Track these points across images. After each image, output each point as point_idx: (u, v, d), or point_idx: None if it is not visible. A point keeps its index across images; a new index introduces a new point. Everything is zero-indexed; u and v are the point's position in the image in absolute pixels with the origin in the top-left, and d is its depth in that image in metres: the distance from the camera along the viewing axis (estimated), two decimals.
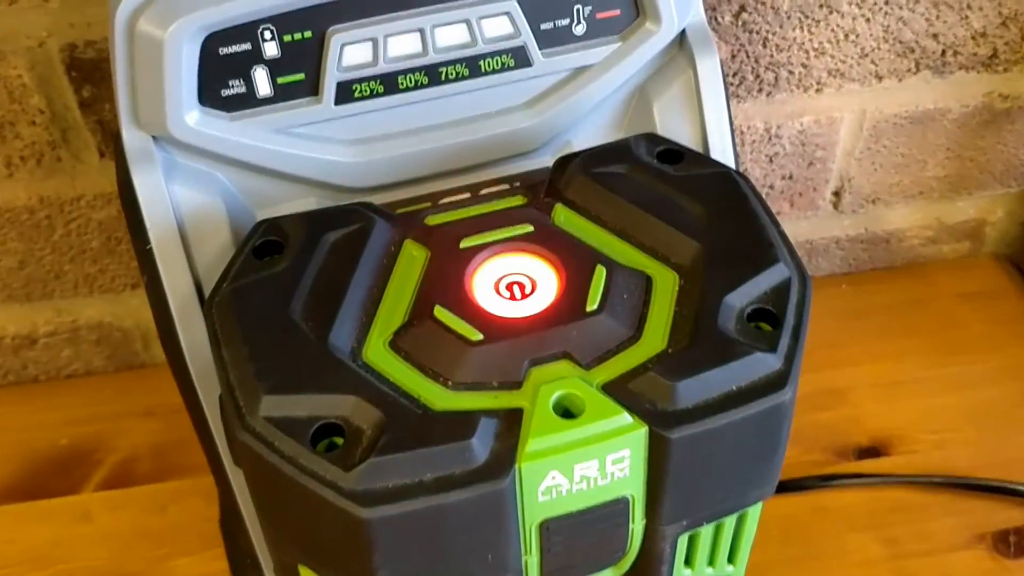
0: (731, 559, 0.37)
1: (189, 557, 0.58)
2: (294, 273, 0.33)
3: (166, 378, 0.68)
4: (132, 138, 0.37)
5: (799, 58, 0.61)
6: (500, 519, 0.30)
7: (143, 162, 0.37)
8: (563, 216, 0.36)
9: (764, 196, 0.66)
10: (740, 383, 0.31)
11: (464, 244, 0.34)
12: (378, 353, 0.32)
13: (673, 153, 0.38)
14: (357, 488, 0.28)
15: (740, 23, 0.58)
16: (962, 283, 0.72)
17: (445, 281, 0.33)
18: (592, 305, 0.32)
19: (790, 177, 0.67)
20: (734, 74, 0.61)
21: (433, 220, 0.36)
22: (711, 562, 0.36)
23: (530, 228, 0.35)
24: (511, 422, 0.30)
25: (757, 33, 0.59)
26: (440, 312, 0.32)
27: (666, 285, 0.34)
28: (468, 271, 0.34)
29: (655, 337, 0.32)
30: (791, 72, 0.61)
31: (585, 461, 0.30)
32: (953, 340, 0.68)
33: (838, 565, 0.57)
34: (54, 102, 0.54)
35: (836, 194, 0.68)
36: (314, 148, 0.39)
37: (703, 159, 0.38)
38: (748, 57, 0.60)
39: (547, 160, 0.43)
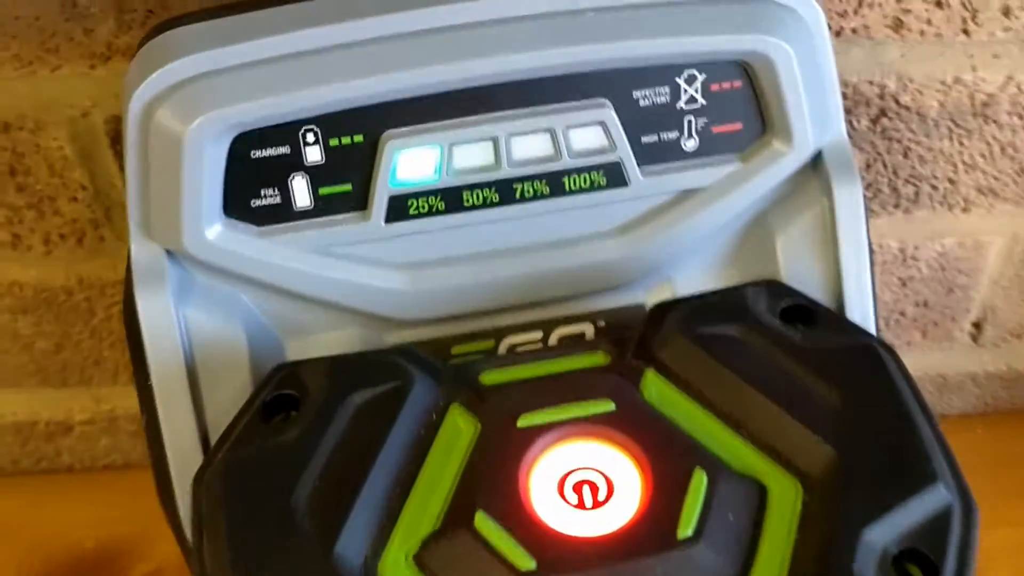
0: None
1: None
2: (306, 446, 0.26)
3: None
4: (141, 251, 0.31)
5: (945, 172, 0.52)
6: None
7: (150, 281, 0.31)
8: (655, 389, 0.28)
9: (894, 324, 0.58)
10: None
11: (524, 423, 0.27)
12: (397, 571, 0.24)
13: (802, 312, 0.30)
14: None
15: (879, 129, 0.50)
16: None
17: (494, 473, 0.26)
18: (686, 529, 0.24)
19: (925, 304, 0.58)
20: (868, 186, 0.53)
21: (489, 378, 0.29)
22: None
23: (611, 406, 0.27)
24: None
25: (898, 142, 0.51)
26: (482, 522, 0.25)
27: (786, 501, 0.25)
28: (525, 462, 0.26)
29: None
30: (935, 187, 0.53)
31: None
32: None
33: None
34: (97, 177, 0.49)
35: (976, 326, 0.59)
36: (359, 272, 0.32)
37: (840, 323, 0.30)
38: (885, 168, 0.52)
39: (640, 296, 0.35)
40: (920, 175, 0.53)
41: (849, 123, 0.50)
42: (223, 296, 0.32)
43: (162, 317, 0.30)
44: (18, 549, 0.58)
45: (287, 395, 0.28)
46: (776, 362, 0.28)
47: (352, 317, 0.33)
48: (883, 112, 0.50)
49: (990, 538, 0.57)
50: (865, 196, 0.53)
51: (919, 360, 0.61)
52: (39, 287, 0.54)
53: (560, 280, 0.34)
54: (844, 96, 0.49)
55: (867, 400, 0.27)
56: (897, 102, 0.49)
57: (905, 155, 0.52)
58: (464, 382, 0.29)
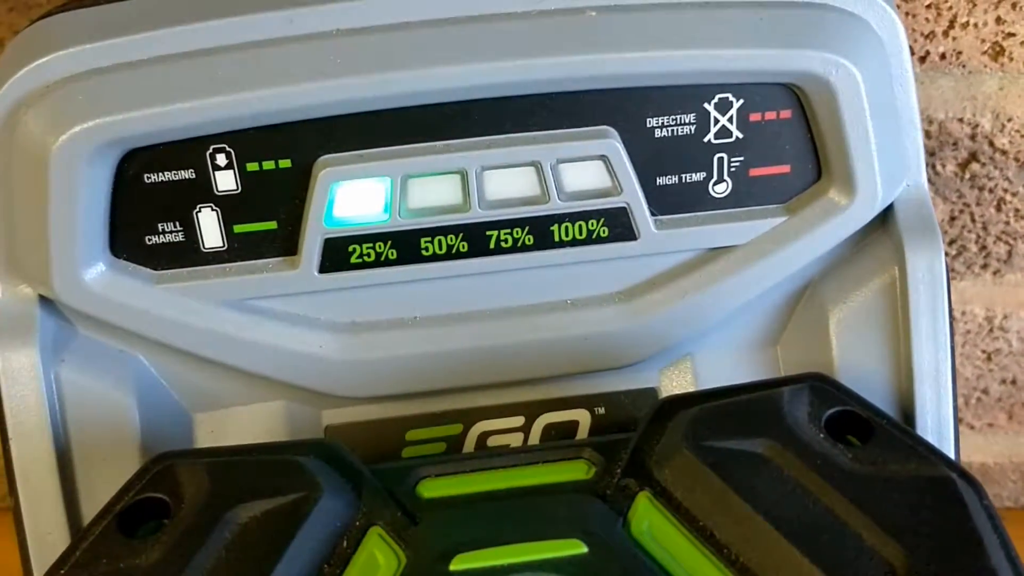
0: None
1: None
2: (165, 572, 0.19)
3: None
4: (7, 293, 0.24)
5: None
6: None
7: (15, 333, 0.24)
8: (647, 522, 0.21)
9: (975, 404, 0.50)
10: None
11: (459, 565, 0.19)
12: None
13: (856, 422, 0.22)
14: None
15: (967, 176, 0.43)
16: None
17: None
18: None
19: (1013, 382, 0.50)
20: (951, 242, 0.45)
21: (429, 489, 0.22)
22: None
23: (582, 548, 0.20)
24: None
25: (990, 192, 0.43)
26: None
27: None
28: None
29: None
30: None
31: None
32: None
33: None
34: None
35: None
36: (284, 334, 0.25)
37: (906, 441, 0.22)
38: (973, 222, 0.44)
39: (651, 377, 0.28)
40: (1015, 232, 0.45)
41: (931, 168, 0.43)
42: (112, 356, 0.25)
43: (25, 378, 0.24)
44: None
45: (156, 499, 0.21)
46: (814, 495, 0.20)
47: (277, 389, 0.26)
48: (974, 156, 0.42)
49: None
50: (947, 256, 0.45)
51: (1003, 446, 0.53)
52: None
53: (545, 356, 0.26)
54: (927, 135, 0.41)
55: (936, 559, 0.19)
56: (992, 144, 0.42)
57: (998, 208, 0.44)
58: (394, 494, 0.22)
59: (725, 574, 0.20)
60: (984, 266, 0.46)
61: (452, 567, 0.20)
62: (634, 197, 0.25)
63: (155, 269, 0.24)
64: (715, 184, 0.25)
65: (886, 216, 0.26)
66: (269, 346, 0.25)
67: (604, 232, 0.25)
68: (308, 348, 0.25)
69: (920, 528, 0.20)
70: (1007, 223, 0.45)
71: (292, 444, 0.23)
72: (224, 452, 0.22)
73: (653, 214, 0.25)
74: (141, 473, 0.22)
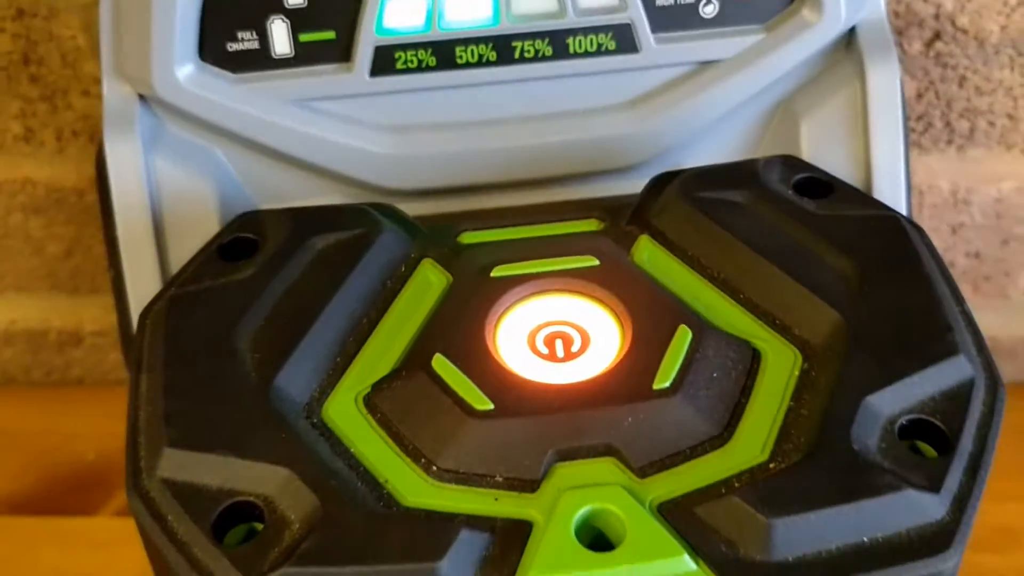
0: None
1: None
2: (258, 285, 0.24)
3: None
4: (113, 93, 0.29)
5: (1005, 106, 0.49)
6: None
7: (121, 125, 0.29)
8: (648, 253, 0.26)
9: None
10: (876, 534, 0.19)
11: (498, 273, 0.24)
12: (344, 411, 0.22)
13: (817, 184, 0.27)
14: None
15: (932, 54, 0.47)
16: None
17: (460, 320, 0.23)
18: (663, 381, 0.22)
19: (976, 255, 0.54)
20: (918, 118, 0.49)
21: (469, 238, 0.27)
22: None
23: (594, 261, 0.25)
24: (510, 543, 0.20)
25: (953, 69, 0.47)
26: (440, 364, 0.22)
27: (781, 367, 0.23)
28: (495, 311, 0.24)
29: (752, 442, 0.21)
30: (992, 123, 0.49)
31: None
32: None
33: None
34: None
35: None
36: (339, 130, 0.30)
37: (860, 196, 0.27)
38: (938, 99, 0.48)
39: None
40: (976, 109, 0.49)
41: (900, 47, 0.47)
42: (195, 149, 0.30)
43: (131, 163, 0.29)
44: (19, 457, 0.57)
45: (245, 238, 0.26)
46: (783, 228, 0.25)
47: (332, 184, 0.31)
48: (938, 35, 0.47)
49: None
50: (914, 127, 0.50)
51: None
52: (51, 186, 0.52)
53: (561, 155, 0.31)
54: (895, 15, 0.45)
55: (884, 269, 0.24)
56: (954, 24, 0.46)
57: (960, 85, 0.48)
58: (441, 240, 0.26)
59: (710, 289, 0.25)
60: (949, 142, 0.50)
61: (492, 275, 0.24)
62: (637, 15, 0.29)
63: (234, 72, 0.29)
64: (704, 6, 0.30)
65: (850, 37, 0.31)
66: (327, 140, 0.30)
67: (612, 45, 0.30)
68: (359, 143, 0.30)
69: (870, 249, 0.25)
70: (969, 100, 0.49)
71: (351, 204, 0.27)
72: (298, 209, 0.27)
73: (653, 30, 0.30)
74: (230, 224, 0.27)
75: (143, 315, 0.24)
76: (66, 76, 0.49)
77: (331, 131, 0.30)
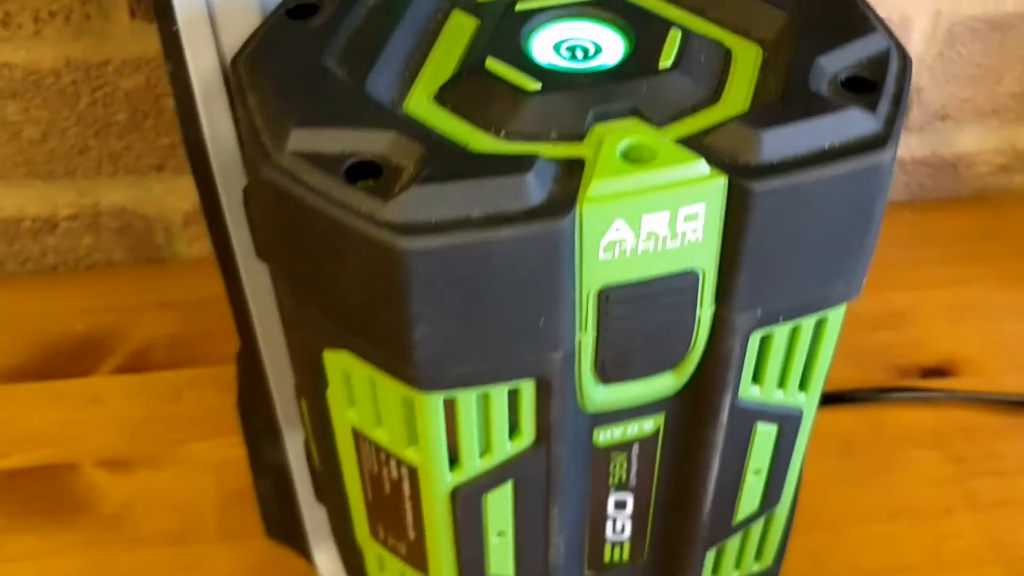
0: (803, 385, 0.33)
1: (204, 442, 0.54)
2: (328, 29, 0.30)
3: (186, 273, 0.65)
4: None
5: None
6: (555, 273, 0.26)
7: None
8: None
9: None
10: (833, 140, 0.27)
11: (520, 7, 0.31)
12: (421, 105, 0.28)
13: None
14: (396, 219, 0.25)
15: None
16: None
17: (498, 41, 0.30)
18: (666, 62, 0.29)
19: None
20: None
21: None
22: (781, 383, 0.32)
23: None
24: (573, 168, 0.26)
25: None
26: (492, 63, 0.29)
27: (748, 57, 0.30)
28: (524, 32, 0.30)
29: (736, 101, 0.28)
30: None
31: (655, 212, 0.26)
32: None
33: (903, 481, 0.52)
34: None
35: None
36: None
37: None
38: None
39: None
40: None
41: None
42: None
43: None
44: (10, 335, 0.60)
45: (305, 5, 0.31)
46: None
47: None
48: None
49: (920, 295, 0.63)
50: None
51: None
52: (28, 69, 0.56)
53: None
54: None
55: None
56: None
57: None
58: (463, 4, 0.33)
59: (684, 12, 0.32)
60: None
61: (516, 8, 0.31)
62: None
63: None
64: None
65: None
66: None
67: None
68: None
69: None
70: None
71: None
72: None
73: None
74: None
75: (233, 63, 0.30)
76: None
77: None
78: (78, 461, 0.54)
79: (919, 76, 0.62)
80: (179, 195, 0.62)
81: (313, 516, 0.47)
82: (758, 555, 0.40)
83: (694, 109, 0.28)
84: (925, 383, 0.57)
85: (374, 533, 0.36)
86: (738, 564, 0.40)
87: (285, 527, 0.49)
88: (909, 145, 0.66)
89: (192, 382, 0.57)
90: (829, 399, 0.55)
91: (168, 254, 0.65)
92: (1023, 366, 0.58)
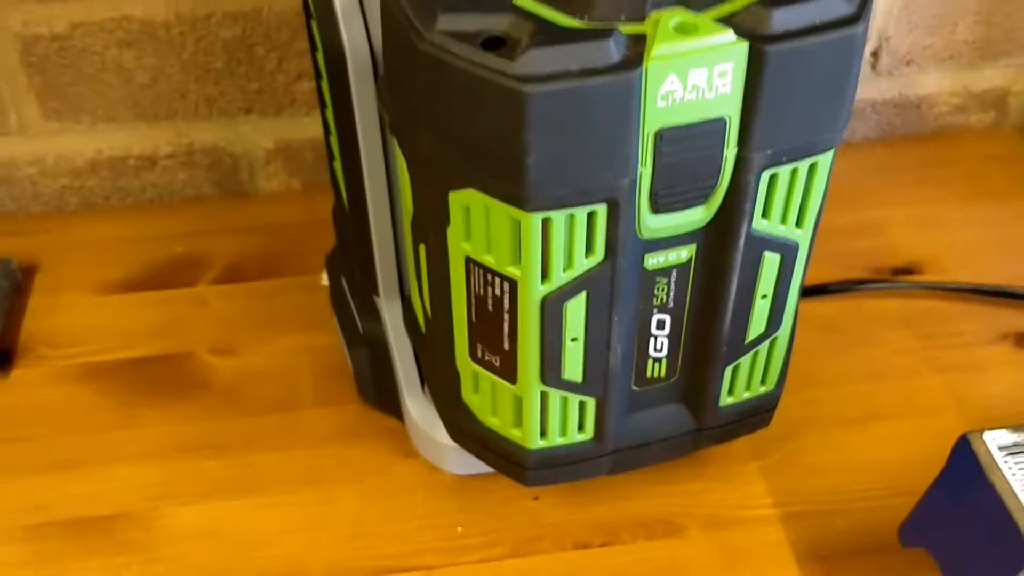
0: (800, 221, 0.44)
1: (298, 333, 0.65)
2: None
3: (267, 203, 0.76)
4: None
5: None
6: (627, 113, 0.37)
7: None
8: None
9: None
10: (823, 17, 0.38)
11: None
12: (524, 1, 0.39)
13: None
14: (519, 72, 0.36)
15: None
16: (988, 148, 0.80)
17: None
18: None
19: None
20: None
21: None
22: (783, 218, 0.43)
23: None
24: (638, 40, 0.37)
25: None
26: None
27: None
28: None
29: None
30: None
31: (697, 68, 0.37)
32: (982, 190, 0.75)
33: (878, 352, 0.64)
34: None
35: (874, 54, 0.75)
36: None
37: None
38: None
39: None
40: None
41: None
42: None
43: None
44: (121, 255, 0.71)
45: None
46: None
47: None
48: None
49: (892, 211, 0.74)
50: None
51: None
52: (145, 21, 0.66)
53: None
54: None
55: None
56: None
57: None
58: None
59: None
60: None
61: None
62: None
63: None
64: None
65: None
66: None
67: None
68: None
69: None
70: None
71: None
72: None
73: None
74: None
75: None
76: None
77: None
78: (193, 349, 0.64)
79: (887, 25, 0.74)
80: (263, 135, 0.72)
81: (407, 374, 0.57)
82: (763, 378, 0.51)
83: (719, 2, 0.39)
84: (895, 278, 0.68)
85: (472, 353, 0.47)
86: (748, 385, 0.51)
87: (378, 391, 0.59)
88: (880, 88, 0.77)
89: (281, 288, 0.68)
90: (815, 290, 0.66)
91: (251, 188, 0.75)
92: (974, 264, 0.69)
